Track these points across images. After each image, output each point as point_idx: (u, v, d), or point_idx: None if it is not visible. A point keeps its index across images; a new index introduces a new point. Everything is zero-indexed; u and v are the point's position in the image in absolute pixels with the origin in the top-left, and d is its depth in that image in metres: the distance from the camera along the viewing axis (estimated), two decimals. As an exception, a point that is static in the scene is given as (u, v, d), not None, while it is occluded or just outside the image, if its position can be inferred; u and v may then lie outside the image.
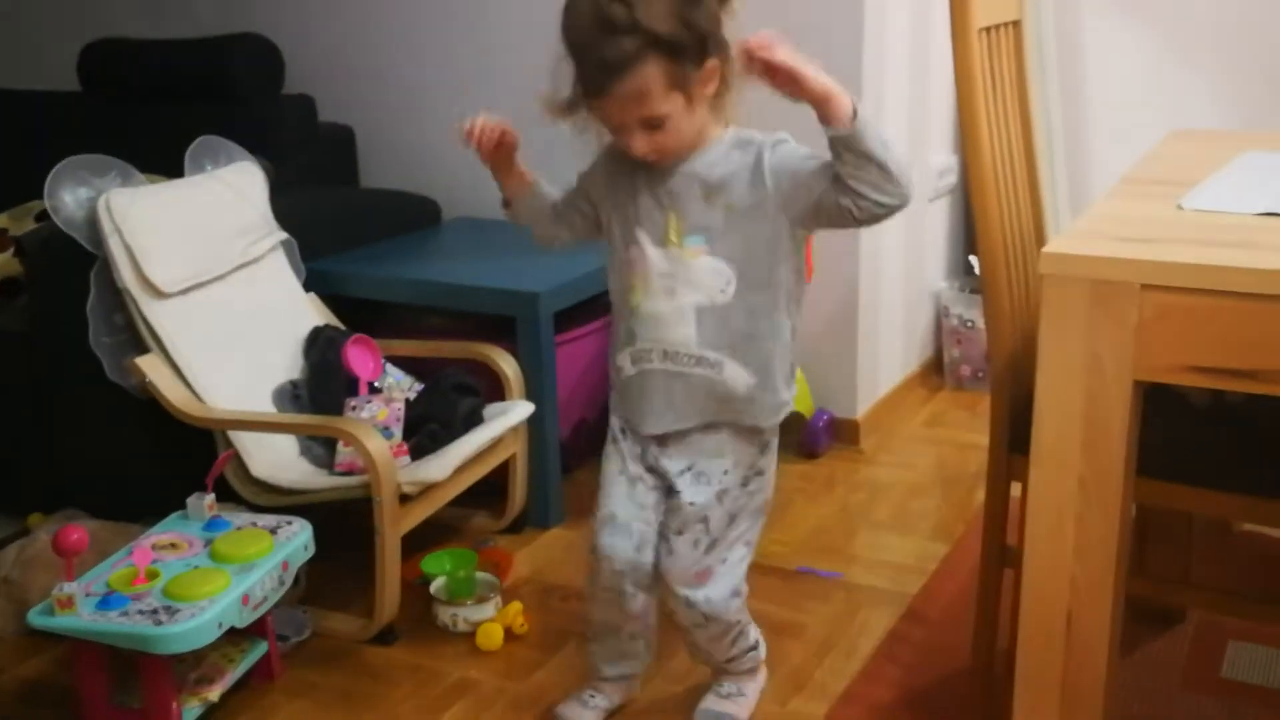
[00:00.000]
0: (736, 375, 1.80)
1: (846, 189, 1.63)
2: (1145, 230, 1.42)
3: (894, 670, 2.21)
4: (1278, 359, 1.26)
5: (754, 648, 2.05)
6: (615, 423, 1.92)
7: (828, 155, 1.65)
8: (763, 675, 2.12)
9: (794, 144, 1.74)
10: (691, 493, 1.85)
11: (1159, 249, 1.33)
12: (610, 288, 1.88)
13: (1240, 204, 1.49)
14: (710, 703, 2.06)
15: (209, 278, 2.51)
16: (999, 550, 1.80)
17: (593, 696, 2.06)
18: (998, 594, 1.84)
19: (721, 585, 1.89)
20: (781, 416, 1.87)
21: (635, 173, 1.77)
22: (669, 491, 1.88)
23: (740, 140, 1.75)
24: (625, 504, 1.88)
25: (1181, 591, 2.09)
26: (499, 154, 1.86)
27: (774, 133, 1.74)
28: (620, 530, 1.88)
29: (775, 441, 1.91)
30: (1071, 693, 1.48)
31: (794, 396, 1.89)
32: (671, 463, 1.87)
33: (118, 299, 2.40)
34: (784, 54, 1.55)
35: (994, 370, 1.73)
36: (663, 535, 1.88)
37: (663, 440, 1.87)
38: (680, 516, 1.86)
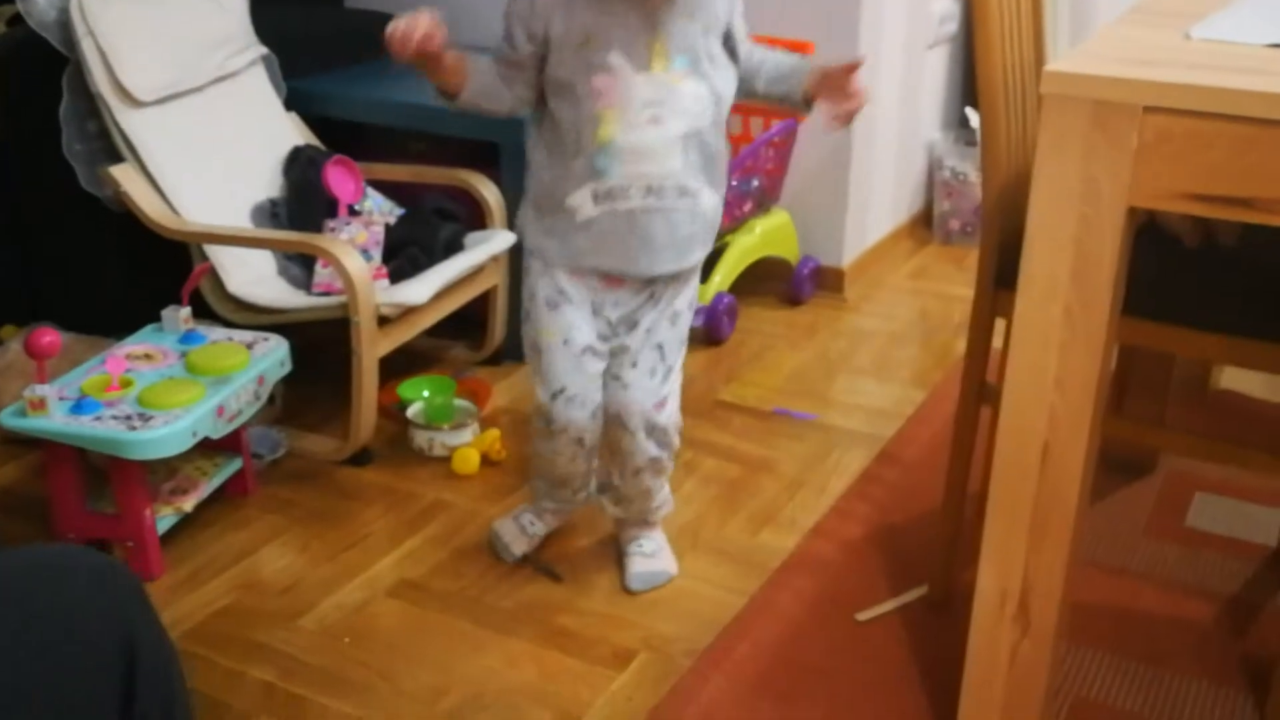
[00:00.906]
0: (709, 200, 1.78)
1: (744, 83, 1.80)
2: (1151, 55, 1.37)
3: (865, 508, 2.23)
4: (1275, 187, 1.23)
5: (669, 492, 2.06)
6: (550, 288, 1.82)
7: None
8: (661, 525, 2.10)
9: None
10: (649, 322, 1.84)
11: (1164, 72, 1.29)
12: (542, 133, 1.76)
13: (1250, 35, 1.44)
14: (641, 565, 2.02)
15: (186, 88, 2.44)
16: (978, 386, 1.79)
17: (532, 524, 2.07)
18: (974, 430, 1.84)
19: (674, 410, 1.91)
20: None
21: None
22: (619, 328, 1.86)
23: None
24: (574, 376, 1.84)
25: (1156, 433, 2.10)
26: (423, 57, 1.66)
27: None
28: (574, 403, 1.85)
29: None
30: (1041, 527, 1.48)
31: None
32: (629, 300, 1.84)
33: (91, 105, 2.33)
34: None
35: (986, 202, 1.70)
36: (614, 374, 1.86)
37: (619, 282, 1.83)
38: (636, 348, 1.84)
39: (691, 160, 1.74)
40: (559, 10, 1.67)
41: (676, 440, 1.94)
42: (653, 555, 2.03)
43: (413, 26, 1.61)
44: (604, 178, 1.72)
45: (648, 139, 1.70)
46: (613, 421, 1.88)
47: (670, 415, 1.90)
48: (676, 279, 1.85)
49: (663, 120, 1.70)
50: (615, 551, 2.08)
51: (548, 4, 1.68)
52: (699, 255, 1.85)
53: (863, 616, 1.93)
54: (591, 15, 1.66)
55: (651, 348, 1.85)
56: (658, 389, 1.86)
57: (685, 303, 1.88)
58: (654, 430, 1.88)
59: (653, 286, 1.84)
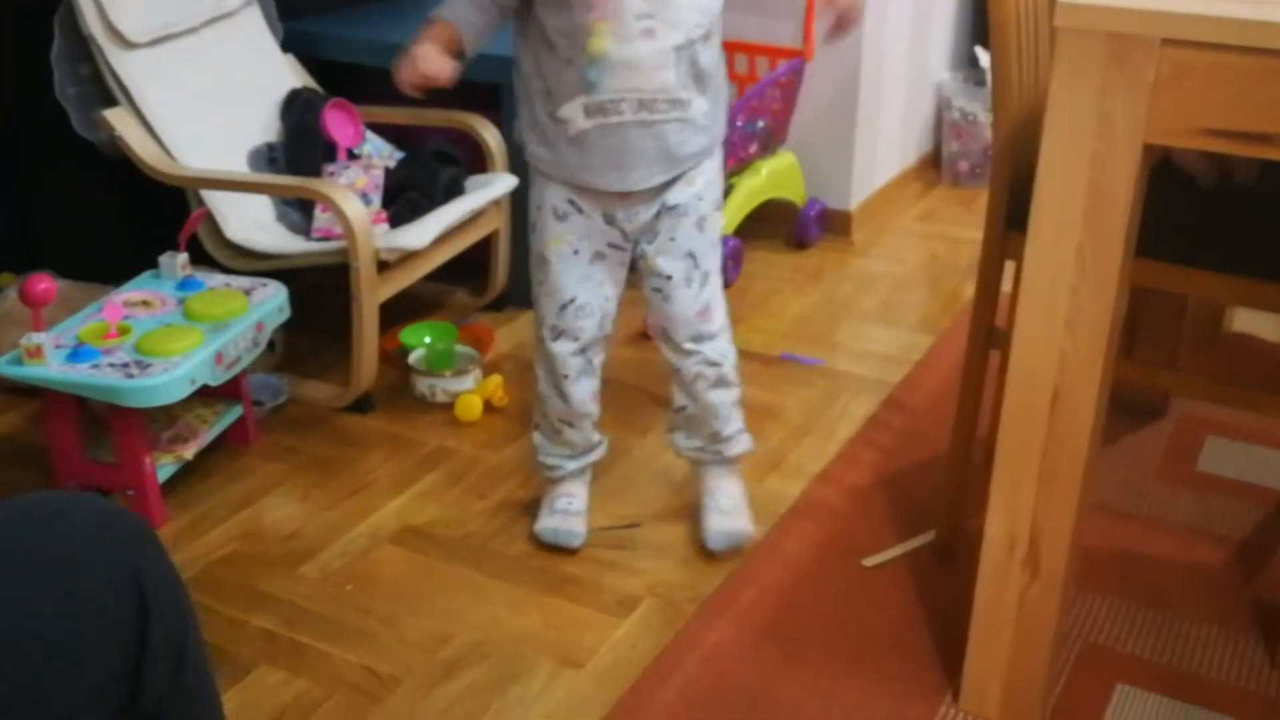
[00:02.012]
0: (699, 106, 1.72)
1: None
2: (1170, -14, 1.33)
3: (871, 454, 2.21)
4: (1297, 122, 1.19)
5: (743, 427, 1.97)
6: (558, 197, 1.77)
7: None
8: (741, 477, 2.02)
9: None
10: (673, 230, 1.78)
11: (1183, 3, 1.24)
12: (529, 40, 1.71)
13: (1272, -35, 1.40)
14: (718, 523, 1.94)
15: (180, 29, 2.39)
16: (987, 330, 1.76)
17: (569, 501, 1.98)
18: (982, 375, 1.81)
19: (721, 317, 1.86)
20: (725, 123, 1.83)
21: None
22: (642, 240, 1.80)
23: None
24: (583, 285, 1.81)
25: (1167, 376, 2.07)
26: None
27: None
28: (583, 312, 1.82)
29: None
30: (1050, 472, 1.46)
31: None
32: (642, 211, 1.78)
33: (83, 47, 2.28)
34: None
35: (997, 142, 1.66)
36: (655, 290, 1.82)
37: (631, 195, 1.77)
38: (667, 260, 1.79)
39: (683, 72, 1.69)
40: None
41: (731, 350, 1.88)
42: (730, 513, 1.95)
43: (426, 74, 1.69)
44: (594, 91, 1.67)
45: (641, 52, 1.65)
46: (661, 338, 1.86)
47: (718, 322, 1.85)
48: (685, 180, 1.77)
49: (656, 32, 1.64)
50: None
51: None
52: (692, 159, 1.77)
53: (869, 562, 1.92)
54: None
55: (682, 256, 1.80)
56: (697, 296, 1.81)
57: (709, 205, 1.81)
58: (701, 338, 1.84)
59: (663, 195, 1.77)
